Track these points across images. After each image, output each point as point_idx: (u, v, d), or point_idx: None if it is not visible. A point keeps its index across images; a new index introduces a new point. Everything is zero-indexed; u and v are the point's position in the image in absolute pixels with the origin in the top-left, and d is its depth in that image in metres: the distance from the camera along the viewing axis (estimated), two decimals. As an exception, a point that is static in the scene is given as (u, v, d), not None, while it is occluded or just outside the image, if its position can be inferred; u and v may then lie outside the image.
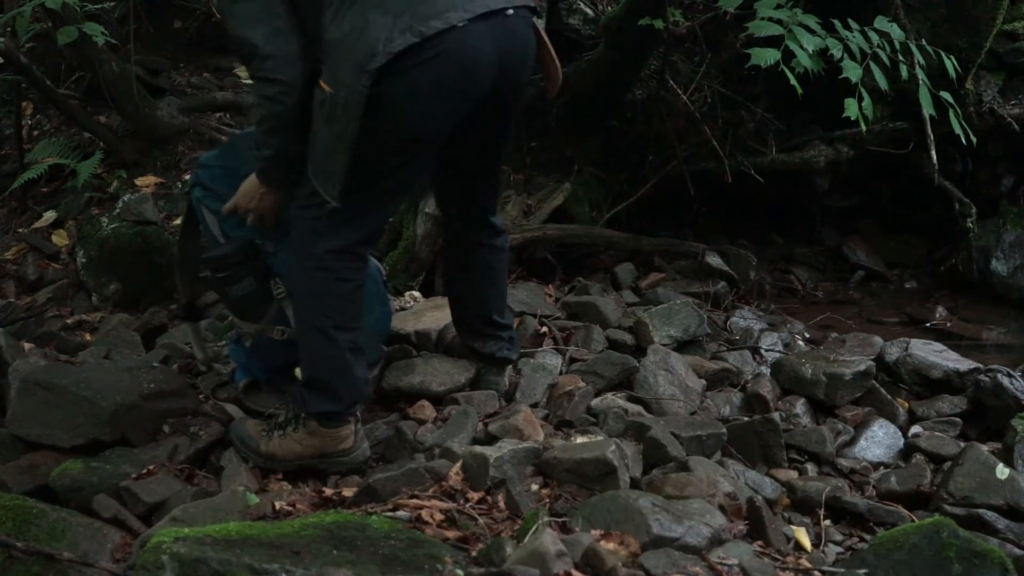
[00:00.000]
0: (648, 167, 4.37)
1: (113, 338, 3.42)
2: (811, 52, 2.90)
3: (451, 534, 2.07)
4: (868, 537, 2.41)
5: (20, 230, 4.20)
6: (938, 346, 3.44)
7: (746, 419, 2.86)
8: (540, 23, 4.02)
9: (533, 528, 1.97)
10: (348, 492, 2.38)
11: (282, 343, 2.71)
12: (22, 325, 3.63)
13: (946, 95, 3.25)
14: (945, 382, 3.23)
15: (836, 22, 3.07)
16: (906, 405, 3.16)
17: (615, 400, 2.89)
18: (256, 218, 2.63)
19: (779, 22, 2.93)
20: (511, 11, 2.42)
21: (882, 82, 3.07)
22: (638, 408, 2.84)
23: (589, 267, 4.23)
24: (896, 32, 3.19)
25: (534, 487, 2.34)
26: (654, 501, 2.14)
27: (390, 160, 2.38)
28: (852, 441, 2.93)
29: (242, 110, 4.66)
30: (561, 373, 3.07)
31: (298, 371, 2.62)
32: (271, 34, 2.36)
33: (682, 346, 3.30)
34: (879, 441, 2.93)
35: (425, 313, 3.27)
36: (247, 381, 2.87)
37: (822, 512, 2.49)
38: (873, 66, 3.04)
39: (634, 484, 2.38)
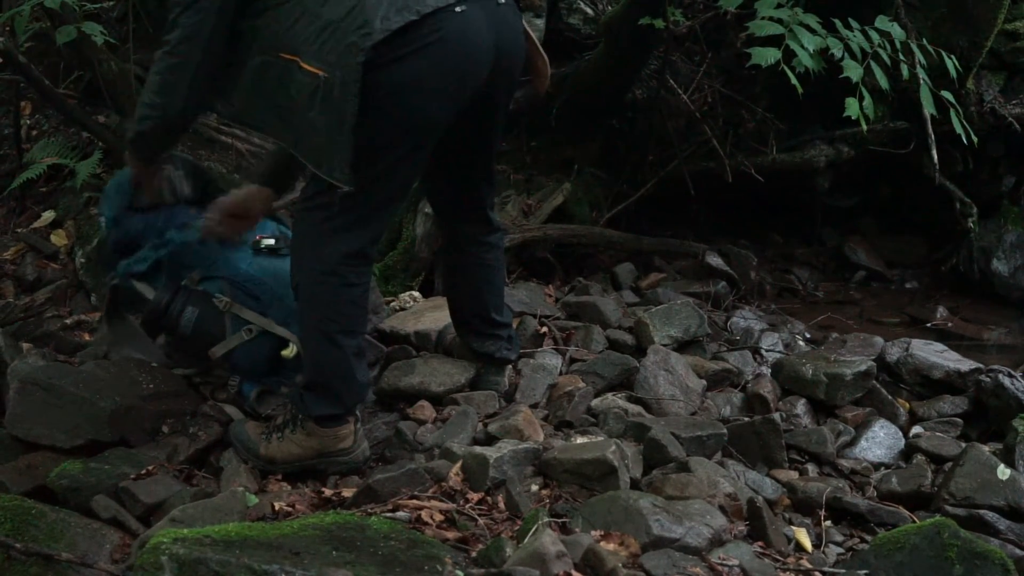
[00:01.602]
0: (648, 167, 4.36)
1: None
2: (812, 51, 2.90)
3: (451, 535, 2.07)
4: (869, 538, 2.41)
5: (19, 230, 4.19)
6: (939, 346, 3.43)
7: (746, 419, 2.86)
8: (540, 22, 4.01)
9: (533, 529, 1.97)
10: (348, 492, 2.37)
11: (254, 341, 2.78)
12: (21, 325, 3.61)
13: (947, 95, 3.24)
14: (946, 382, 3.23)
15: (837, 21, 3.07)
16: (907, 405, 3.16)
17: (615, 400, 2.88)
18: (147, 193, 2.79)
19: (779, 21, 2.93)
20: (502, 0, 2.43)
21: (883, 81, 3.07)
22: (638, 408, 2.83)
23: (589, 267, 4.22)
24: (897, 31, 3.18)
25: (534, 488, 2.34)
26: (654, 502, 2.14)
27: (394, 151, 2.36)
28: (853, 441, 2.93)
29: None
30: (561, 373, 3.06)
31: (284, 352, 2.74)
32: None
33: (682, 346, 3.30)
34: (880, 441, 2.93)
35: (425, 313, 3.26)
36: (258, 390, 2.87)
37: (823, 513, 2.49)
38: (874, 65, 3.03)
39: (634, 485, 2.38)
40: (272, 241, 2.90)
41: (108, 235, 3.02)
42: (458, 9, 2.30)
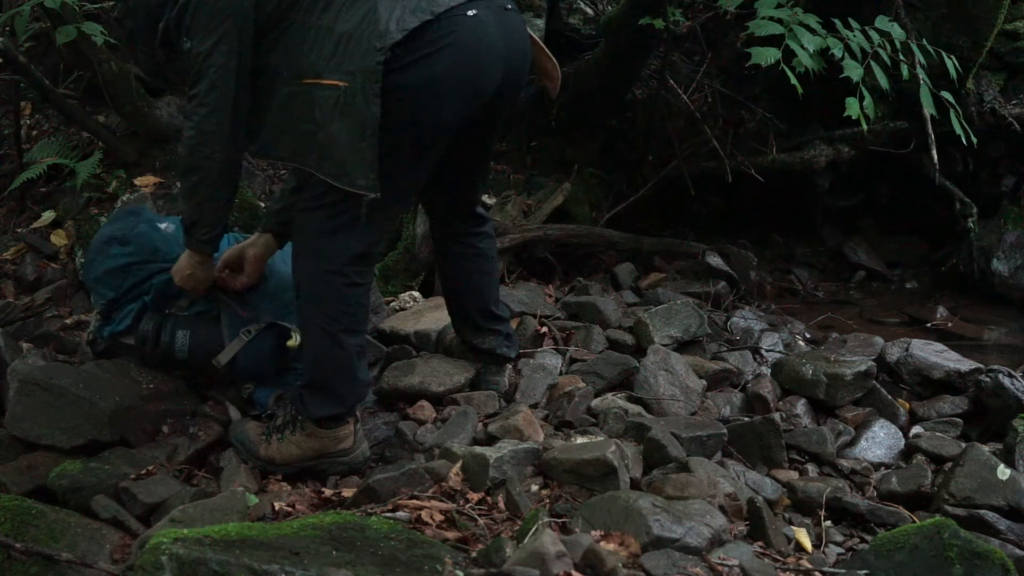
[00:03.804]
0: (648, 167, 4.37)
1: (112, 338, 3.40)
2: (812, 51, 2.90)
3: (451, 535, 2.07)
4: (869, 538, 2.41)
5: (19, 230, 4.19)
6: (939, 346, 3.43)
7: (746, 419, 2.86)
8: (540, 22, 4.01)
9: (533, 529, 1.96)
10: (348, 493, 2.38)
11: (255, 340, 2.77)
12: (21, 325, 3.62)
13: (947, 95, 3.24)
14: (946, 382, 3.23)
15: (837, 21, 3.07)
16: (907, 405, 3.16)
17: (615, 400, 2.88)
18: (192, 292, 2.74)
19: (779, 21, 2.93)
20: (509, 6, 2.45)
21: (883, 81, 3.07)
22: (638, 408, 2.83)
23: (589, 267, 4.22)
24: (897, 31, 3.19)
25: (534, 488, 2.34)
26: (654, 502, 2.14)
27: (405, 153, 2.37)
28: (853, 442, 2.93)
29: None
30: (561, 373, 3.06)
31: (290, 342, 2.70)
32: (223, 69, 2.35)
33: (682, 346, 3.30)
34: (880, 441, 2.93)
35: (425, 313, 3.27)
36: (275, 395, 2.86)
37: (823, 513, 2.49)
38: (874, 65, 3.04)
39: (634, 485, 2.38)
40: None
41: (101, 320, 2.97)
42: (470, 13, 2.32)
